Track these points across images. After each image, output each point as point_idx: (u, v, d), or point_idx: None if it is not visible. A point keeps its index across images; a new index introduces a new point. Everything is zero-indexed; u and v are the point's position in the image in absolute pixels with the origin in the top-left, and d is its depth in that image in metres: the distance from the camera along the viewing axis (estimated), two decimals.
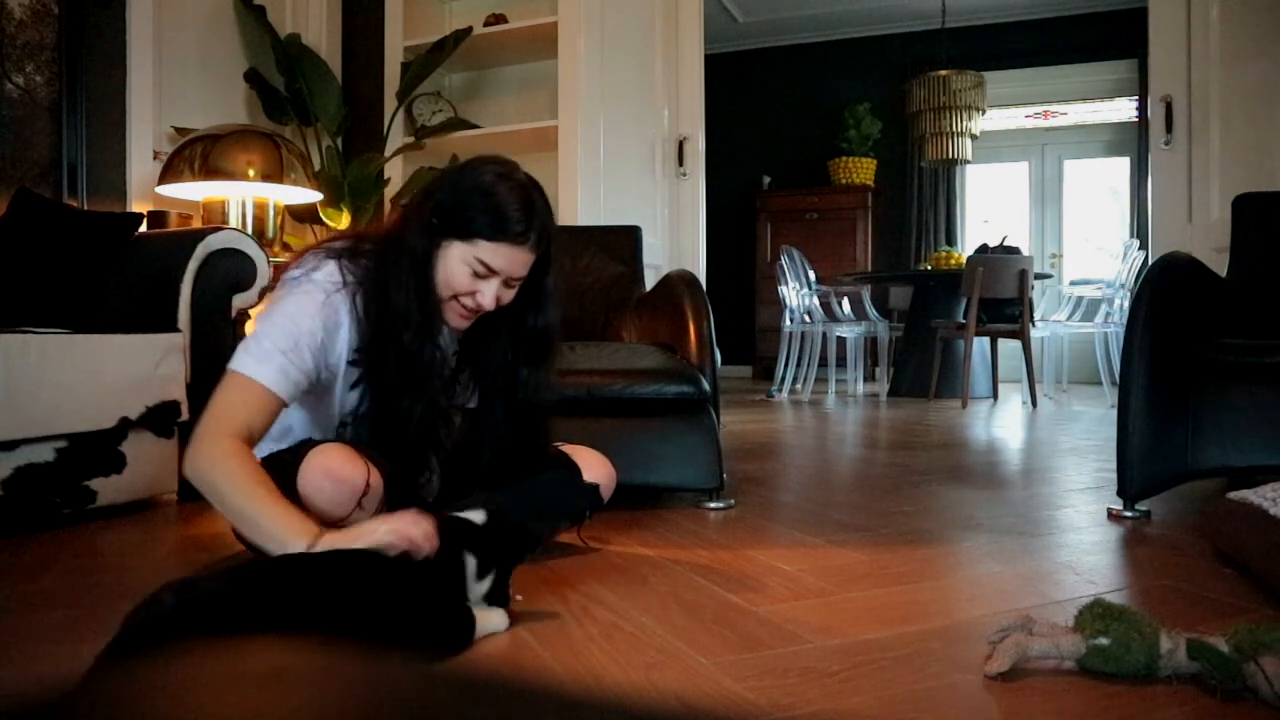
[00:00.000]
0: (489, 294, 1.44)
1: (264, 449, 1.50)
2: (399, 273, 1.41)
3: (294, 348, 1.39)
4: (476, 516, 1.27)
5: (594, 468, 1.71)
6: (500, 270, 1.43)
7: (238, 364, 1.38)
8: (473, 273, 1.42)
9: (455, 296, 1.45)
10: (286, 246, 3.64)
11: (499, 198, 1.41)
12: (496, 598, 1.27)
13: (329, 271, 1.45)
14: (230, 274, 2.42)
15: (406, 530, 1.19)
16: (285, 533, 1.23)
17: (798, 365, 6.01)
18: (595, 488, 1.70)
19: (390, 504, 1.43)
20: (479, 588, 1.24)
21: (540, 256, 1.48)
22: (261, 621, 1.04)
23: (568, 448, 1.74)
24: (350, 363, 1.47)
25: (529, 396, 1.58)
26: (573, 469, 1.70)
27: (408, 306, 1.41)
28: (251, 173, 3.10)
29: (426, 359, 1.45)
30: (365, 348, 1.44)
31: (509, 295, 1.48)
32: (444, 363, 1.53)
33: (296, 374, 1.39)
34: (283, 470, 1.42)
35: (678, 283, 2.54)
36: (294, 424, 1.55)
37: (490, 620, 1.24)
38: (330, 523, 1.37)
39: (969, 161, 7.06)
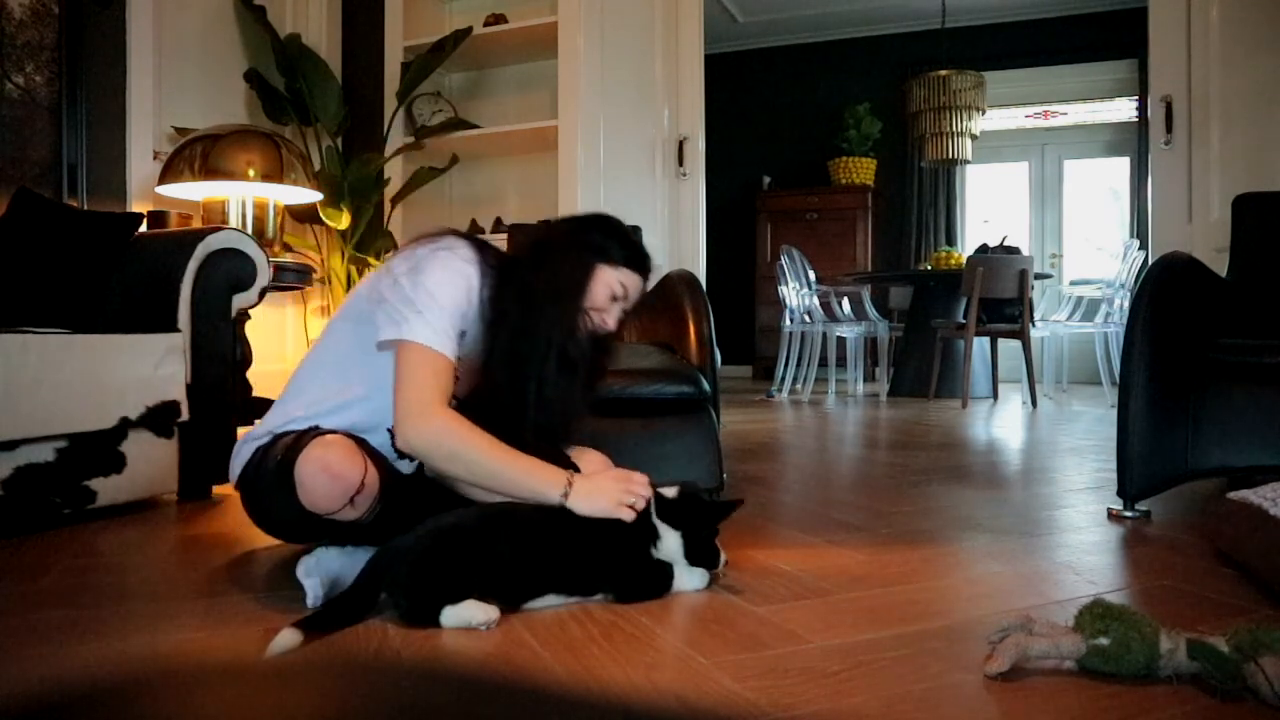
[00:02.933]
0: (615, 314, 1.65)
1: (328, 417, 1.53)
2: (563, 285, 1.57)
3: (453, 312, 1.49)
4: (670, 491, 1.50)
5: (595, 468, 1.71)
6: (629, 296, 1.65)
7: (415, 334, 1.44)
8: (612, 295, 1.62)
9: (588, 311, 1.61)
10: (287, 246, 3.64)
11: (634, 240, 1.68)
12: (699, 558, 1.47)
13: (467, 252, 1.55)
14: (230, 274, 2.42)
15: (636, 493, 1.45)
16: (542, 484, 1.44)
17: (798, 365, 6.01)
18: None
19: (386, 498, 1.44)
20: (670, 545, 1.45)
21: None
22: (494, 558, 1.31)
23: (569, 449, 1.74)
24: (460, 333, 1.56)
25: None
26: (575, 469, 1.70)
27: (574, 317, 1.57)
28: (251, 173, 3.10)
29: (577, 359, 1.60)
30: (512, 342, 1.54)
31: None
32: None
33: (457, 332, 1.49)
34: (283, 454, 1.42)
35: (678, 283, 2.54)
36: (357, 390, 1.55)
37: (690, 577, 1.45)
38: (319, 513, 1.38)
39: (969, 161, 7.06)
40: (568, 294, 1.57)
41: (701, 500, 1.52)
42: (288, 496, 1.39)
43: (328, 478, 1.36)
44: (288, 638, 1.17)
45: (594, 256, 1.60)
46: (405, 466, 1.59)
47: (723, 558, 1.51)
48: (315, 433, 1.45)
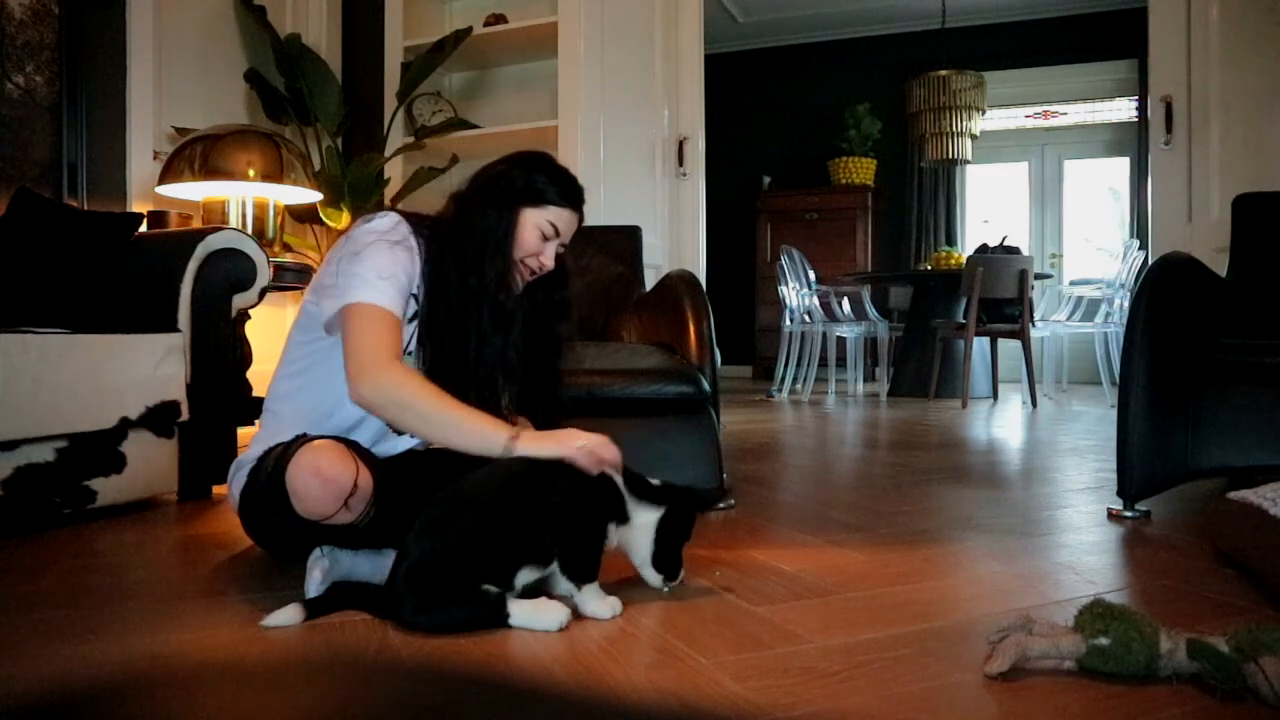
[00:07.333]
0: (551, 253, 1.63)
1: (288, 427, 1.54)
2: (489, 241, 1.57)
3: (394, 275, 1.50)
4: (653, 480, 1.48)
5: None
6: (562, 232, 1.63)
7: (359, 296, 1.46)
8: (542, 235, 1.60)
9: (522, 260, 1.61)
10: (287, 246, 3.64)
11: (562, 173, 1.66)
12: (665, 563, 1.44)
13: (393, 219, 1.58)
14: (230, 274, 2.42)
15: (599, 452, 1.42)
16: (490, 432, 1.42)
17: (798, 365, 6.01)
18: None
19: (378, 499, 1.44)
20: (643, 525, 1.42)
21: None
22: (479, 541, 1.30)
23: None
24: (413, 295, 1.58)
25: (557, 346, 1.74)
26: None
27: (503, 270, 1.57)
28: (251, 173, 3.10)
29: (513, 311, 1.62)
30: (453, 304, 1.56)
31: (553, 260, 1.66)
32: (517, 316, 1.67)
33: (403, 299, 1.51)
34: (274, 465, 1.42)
35: (678, 283, 2.54)
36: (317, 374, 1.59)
37: (599, 607, 1.35)
38: (315, 519, 1.38)
39: (969, 161, 7.06)
40: (495, 247, 1.56)
41: (684, 487, 1.50)
42: (284, 507, 1.39)
43: (320, 482, 1.36)
44: (289, 614, 1.25)
45: (517, 201, 1.59)
46: (399, 444, 1.62)
47: (681, 574, 1.47)
48: (303, 440, 1.45)
